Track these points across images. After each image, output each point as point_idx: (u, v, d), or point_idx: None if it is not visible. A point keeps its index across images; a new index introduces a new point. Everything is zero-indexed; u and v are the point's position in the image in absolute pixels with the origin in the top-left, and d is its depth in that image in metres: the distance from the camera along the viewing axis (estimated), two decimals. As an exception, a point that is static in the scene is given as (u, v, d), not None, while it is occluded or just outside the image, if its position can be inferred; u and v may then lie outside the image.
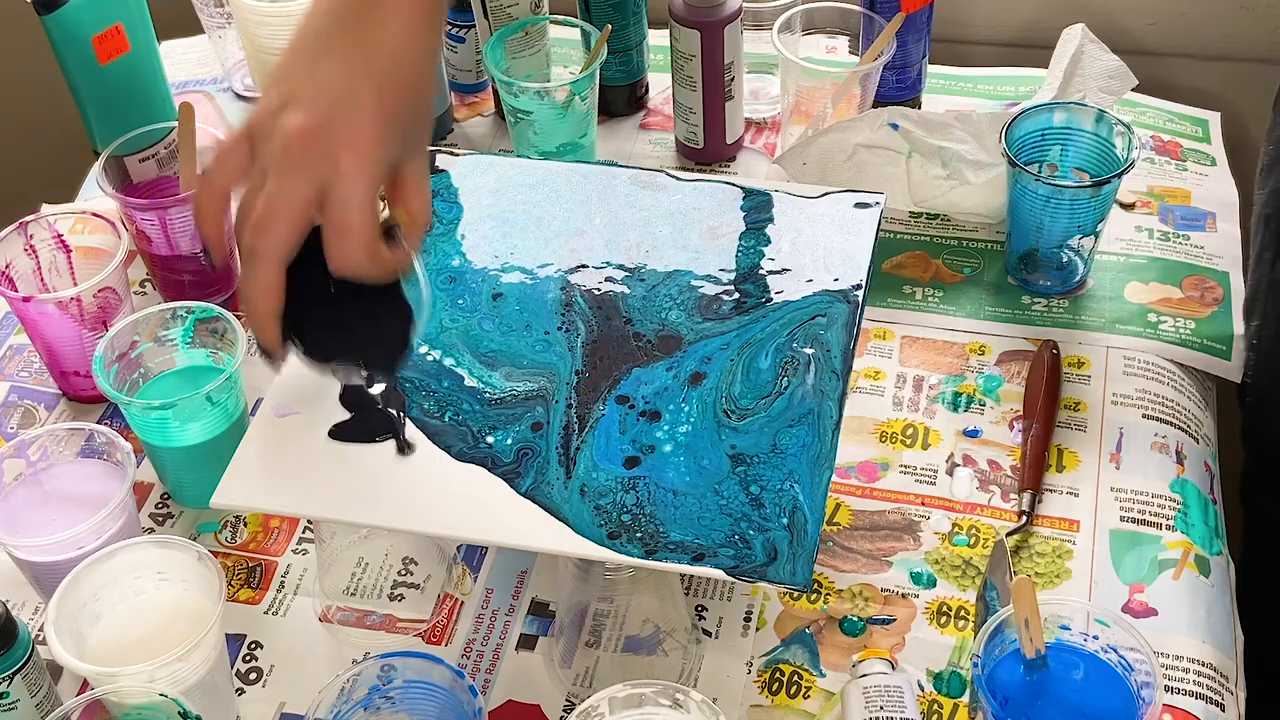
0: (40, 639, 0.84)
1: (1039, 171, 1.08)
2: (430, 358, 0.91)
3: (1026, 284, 1.11)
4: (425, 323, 0.89)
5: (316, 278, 0.78)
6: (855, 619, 0.91)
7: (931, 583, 0.93)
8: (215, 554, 0.88)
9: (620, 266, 0.96)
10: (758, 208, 1.00)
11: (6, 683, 0.82)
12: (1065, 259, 1.10)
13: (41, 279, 1.06)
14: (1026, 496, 0.96)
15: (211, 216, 0.81)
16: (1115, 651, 0.82)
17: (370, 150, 0.76)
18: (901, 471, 0.99)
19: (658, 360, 0.90)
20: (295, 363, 0.92)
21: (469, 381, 0.90)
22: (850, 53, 1.24)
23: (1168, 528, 0.95)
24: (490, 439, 0.87)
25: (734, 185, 1.02)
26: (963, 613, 0.91)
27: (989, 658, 0.82)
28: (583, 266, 0.97)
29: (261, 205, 0.76)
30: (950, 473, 0.99)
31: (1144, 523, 0.95)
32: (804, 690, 0.89)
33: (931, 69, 1.27)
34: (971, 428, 1.01)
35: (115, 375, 0.96)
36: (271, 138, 0.76)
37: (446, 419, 0.88)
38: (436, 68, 1.23)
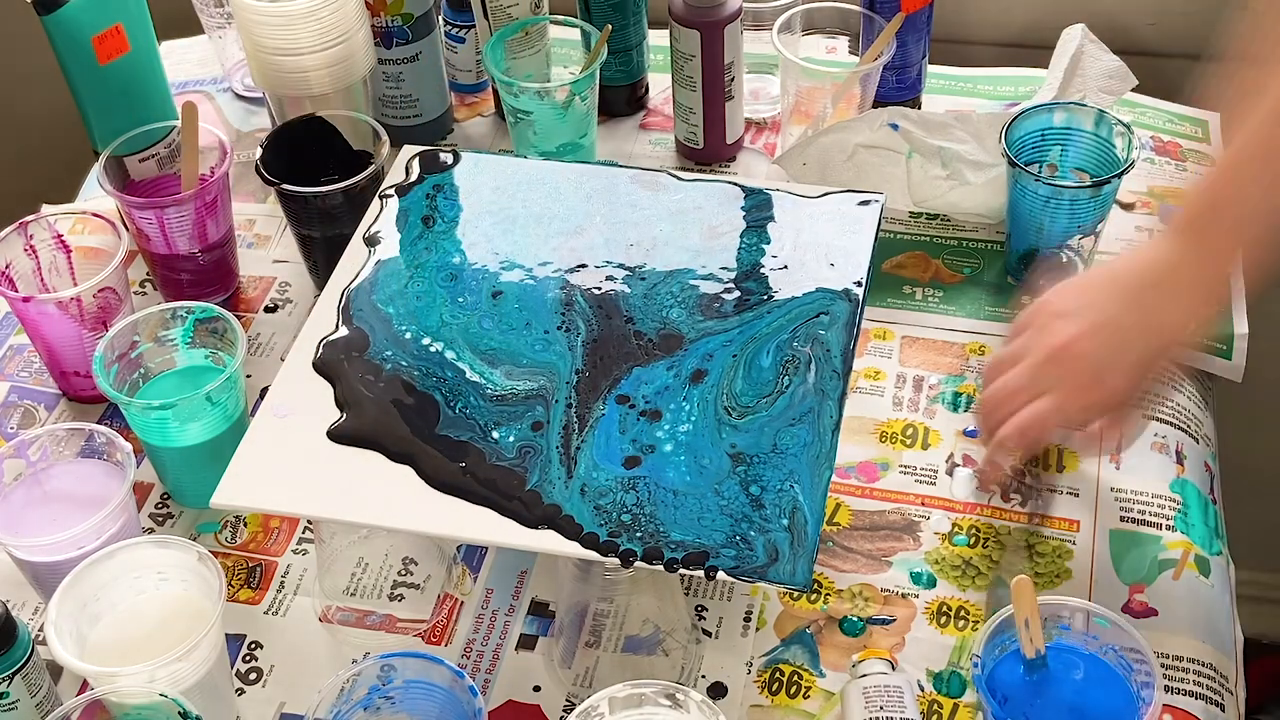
0: (40, 639, 0.84)
1: (1039, 172, 1.08)
2: (433, 349, 0.91)
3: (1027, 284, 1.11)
4: None
5: None
6: (855, 619, 0.91)
7: (931, 583, 0.93)
8: (215, 554, 0.88)
9: (621, 265, 0.96)
10: (758, 206, 1.00)
11: (6, 683, 0.82)
12: (1065, 259, 1.10)
13: (41, 279, 1.06)
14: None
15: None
16: (1115, 651, 0.82)
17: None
18: (901, 471, 0.99)
19: (658, 359, 0.90)
20: (295, 361, 0.92)
21: (470, 376, 0.90)
22: (850, 53, 1.24)
23: (1168, 528, 0.95)
24: (495, 434, 0.87)
25: (735, 185, 1.02)
26: (963, 613, 0.91)
27: (989, 658, 0.82)
28: (583, 266, 0.97)
29: (1043, 415, 0.89)
30: (950, 473, 0.99)
31: (1144, 523, 0.95)
32: (804, 690, 0.88)
33: (931, 69, 1.27)
34: (971, 428, 1.01)
35: (115, 375, 0.96)
36: (1050, 357, 0.89)
37: (456, 410, 0.88)
38: (440, 71, 1.24)
